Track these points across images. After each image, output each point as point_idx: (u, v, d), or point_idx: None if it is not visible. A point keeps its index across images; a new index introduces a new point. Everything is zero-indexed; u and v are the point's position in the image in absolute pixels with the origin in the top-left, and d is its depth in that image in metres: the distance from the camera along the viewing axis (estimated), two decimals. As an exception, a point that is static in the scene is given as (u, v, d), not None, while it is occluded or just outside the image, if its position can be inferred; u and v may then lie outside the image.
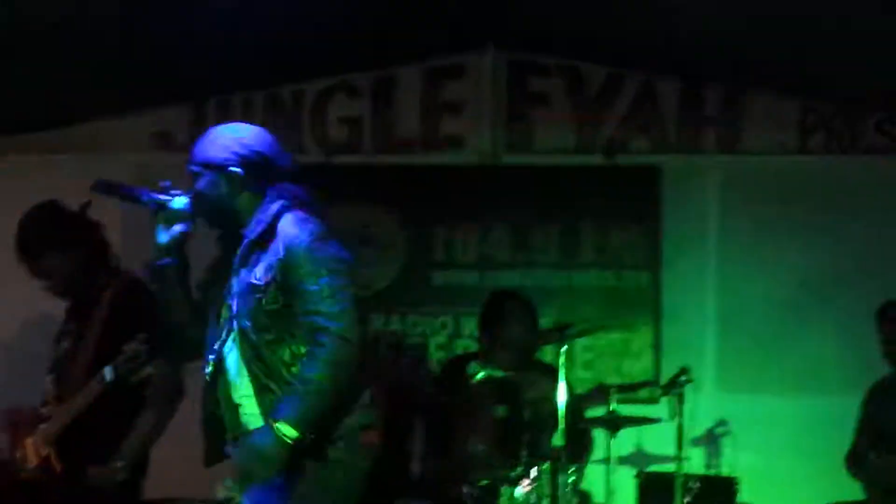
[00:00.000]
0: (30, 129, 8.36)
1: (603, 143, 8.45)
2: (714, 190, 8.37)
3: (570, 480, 6.49)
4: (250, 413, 4.57)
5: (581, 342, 7.77)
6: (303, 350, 4.42)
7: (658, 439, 7.46)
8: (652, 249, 8.30)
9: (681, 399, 6.96)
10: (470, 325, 8.14)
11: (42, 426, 5.94)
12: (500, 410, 6.44)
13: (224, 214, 4.65)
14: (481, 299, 7.59)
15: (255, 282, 4.49)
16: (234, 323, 4.56)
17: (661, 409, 7.27)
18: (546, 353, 7.38)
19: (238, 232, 4.62)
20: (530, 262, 8.37)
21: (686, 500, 6.89)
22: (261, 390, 4.50)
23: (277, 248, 4.47)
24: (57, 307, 6.26)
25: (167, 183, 4.74)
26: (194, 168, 4.65)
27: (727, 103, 8.41)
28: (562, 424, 6.43)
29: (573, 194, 8.41)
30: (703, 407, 7.23)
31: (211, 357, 4.64)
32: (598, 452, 7.23)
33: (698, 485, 7.01)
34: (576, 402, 7.00)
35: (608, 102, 8.48)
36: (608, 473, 6.86)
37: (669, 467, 7.08)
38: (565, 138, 8.49)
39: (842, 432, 7.38)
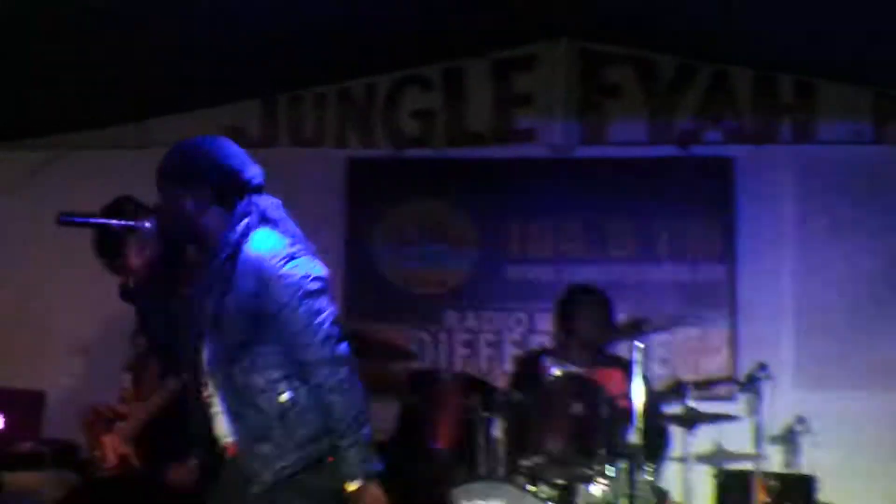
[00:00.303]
0: (104, 124, 8.42)
1: (676, 135, 8.40)
2: (789, 180, 8.30)
3: (647, 478, 6.45)
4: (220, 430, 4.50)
5: (657, 338, 7.71)
6: (276, 375, 4.31)
7: (735, 437, 7.38)
8: (726, 242, 8.25)
9: (758, 395, 6.90)
10: (545, 321, 8.13)
11: (119, 424, 5.95)
12: (577, 407, 6.39)
13: (191, 232, 4.49)
14: (556, 294, 7.55)
15: (227, 311, 4.34)
16: (210, 348, 4.45)
17: (738, 405, 7.21)
18: (622, 349, 7.34)
19: (208, 248, 4.47)
20: (605, 257, 8.35)
21: (765, 498, 6.83)
22: (234, 416, 4.41)
23: (249, 275, 4.31)
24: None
25: (134, 208, 4.63)
26: (160, 184, 4.49)
27: (801, 92, 8.33)
28: (638, 421, 6.39)
29: (647, 186, 8.36)
30: (780, 403, 7.12)
31: (195, 380, 4.55)
32: (675, 450, 7.19)
33: (777, 483, 6.96)
34: (652, 399, 6.97)
35: (681, 93, 8.43)
36: (685, 471, 6.83)
37: (747, 465, 7.02)
38: (638, 130, 8.44)
39: (923, 429, 7.33)
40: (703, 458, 7.29)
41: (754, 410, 6.90)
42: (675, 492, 7.04)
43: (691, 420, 6.87)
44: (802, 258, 8.16)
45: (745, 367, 7.27)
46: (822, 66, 8.11)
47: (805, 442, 7.74)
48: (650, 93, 8.46)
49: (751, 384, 6.94)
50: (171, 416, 5.79)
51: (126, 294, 4.59)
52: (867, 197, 8.14)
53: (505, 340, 8.34)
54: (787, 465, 7.75)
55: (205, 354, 4.48)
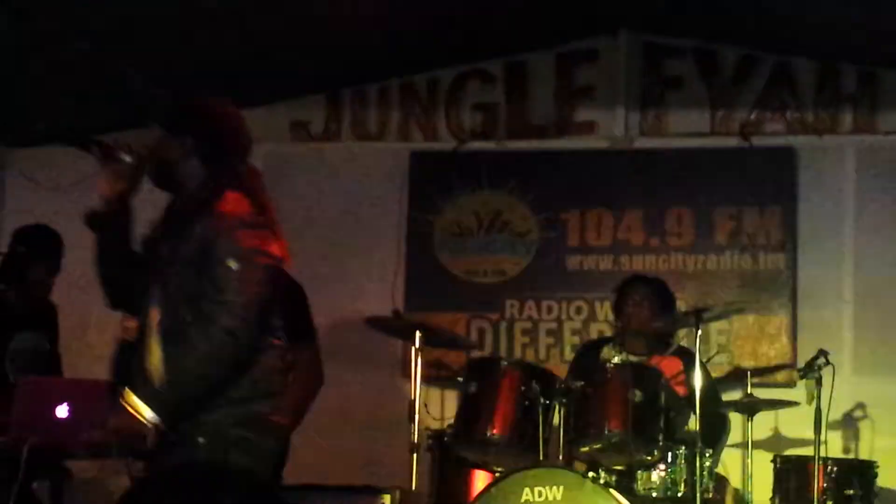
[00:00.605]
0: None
1: (737, 126, 8.39)
2: (850, 170, 8.27)
3: (706, 464, 6.46)
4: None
5: (717, 325, 7.74)
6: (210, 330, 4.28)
7: (795, 423, 7.41)
8: (787, 231, 8.22)
9: (819, 382, 6.87)
10: (604, 310, 8.17)
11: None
12: (636, 394, 6.42)
13: (168, 178, 4.53)
14: (615, 283, 7.58)
15: (178, 260, 4.38)
16: (157, 292, 4.46)
17: (797, 391, 7.22)
18: (681, 337, 7.37)
19: (179, 196, 4.53)
20: (665, 246, 8.35)
21: (824, 484, 6.82)
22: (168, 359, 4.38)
23: (206, 231, 4.33)
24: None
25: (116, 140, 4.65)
26: (152, 123, 4.58)
27: (863, 82, 8.30)
28: (698, 408, 6.42)
29: (707, 177, 8.37)
30: (840, 390, 7.09)
31: (141, 318, 4.56)
32: (734, 436, 7.20)
33: (836, 469, 6.91)
34: (712, 386, 7.00)
35: (742, 84, 8.42)
36: (745, 457, 6.84)
37: (807, 451, 7.00)
38: (699, 121, 8.45)
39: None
40: (763, 444, 7.33)
41: (814, 397, 6.86)
42: (734, 478, 7.08)
43: (751, 406, 6.90)
44: (863, 247, 8.13)
45: (806, 354, 7.23)
46: (885, 56, 8.07)
47: (864, 428, 7.79)
48: (711, 84, 8.45)
49: (811, 371, 6.90)
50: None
51: (92, 219, 4.61)
52: (928, 185, 8.12)
53: (564, 329, 8.38)
54: (847, 450, 7.78)
55: (152, 297, 4.48)
